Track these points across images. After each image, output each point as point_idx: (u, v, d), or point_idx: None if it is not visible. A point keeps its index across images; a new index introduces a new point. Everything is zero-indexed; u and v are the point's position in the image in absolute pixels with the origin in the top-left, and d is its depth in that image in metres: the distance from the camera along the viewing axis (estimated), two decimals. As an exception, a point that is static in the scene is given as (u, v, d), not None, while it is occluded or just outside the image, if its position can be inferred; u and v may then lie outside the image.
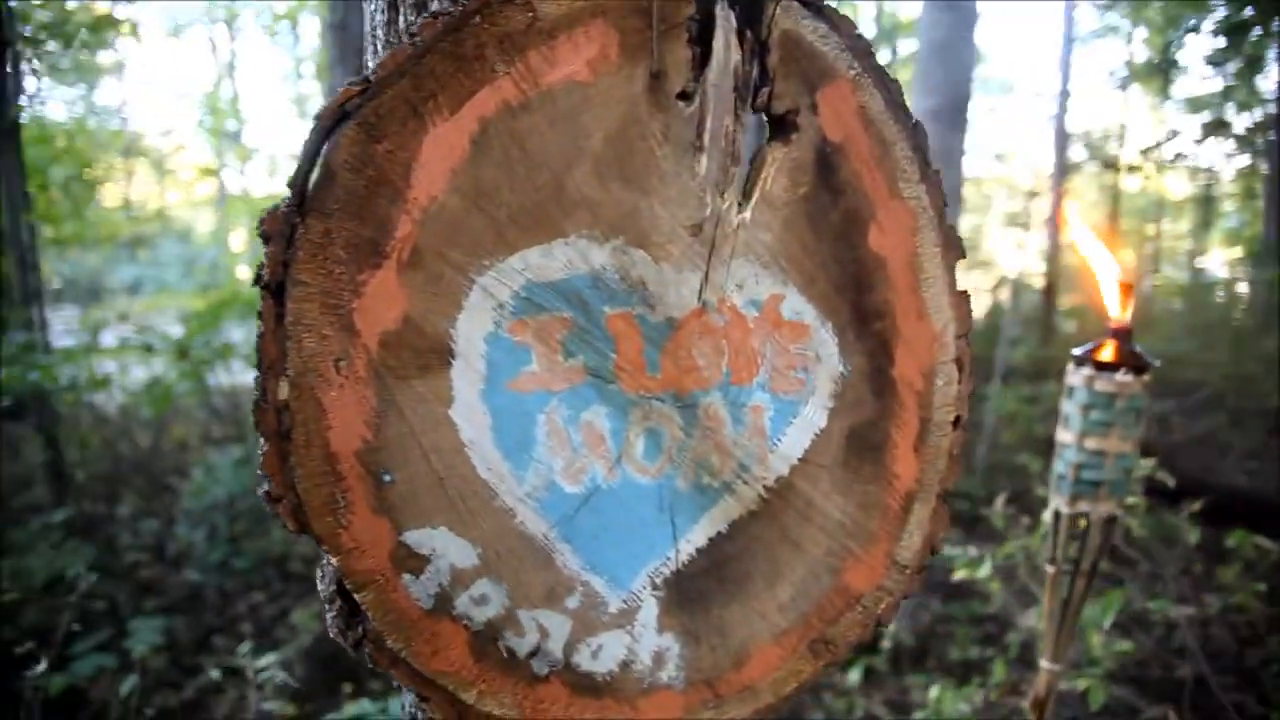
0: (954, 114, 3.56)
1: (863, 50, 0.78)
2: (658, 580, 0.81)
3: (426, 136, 0.68)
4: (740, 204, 0.76)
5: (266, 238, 0.67)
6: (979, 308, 8.58)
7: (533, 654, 0.79)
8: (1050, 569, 1.47)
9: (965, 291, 0.86)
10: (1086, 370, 1.39)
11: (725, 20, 0.73)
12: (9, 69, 5.08)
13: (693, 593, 0.82)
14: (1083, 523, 1.45)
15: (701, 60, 0.73)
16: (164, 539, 4.87)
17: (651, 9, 0.71)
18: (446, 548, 0.75)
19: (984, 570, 2.32)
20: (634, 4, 0.71)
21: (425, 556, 0.74)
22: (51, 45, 6.69)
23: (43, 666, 2.14)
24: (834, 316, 0.81)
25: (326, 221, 0.67)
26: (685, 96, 0.73)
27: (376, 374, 0.70)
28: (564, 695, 0.81)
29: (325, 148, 0.66)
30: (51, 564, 3.44)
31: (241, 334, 6.46)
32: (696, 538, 0.81)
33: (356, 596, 0.73)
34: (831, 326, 0.81)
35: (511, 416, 0.74)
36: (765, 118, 0.77)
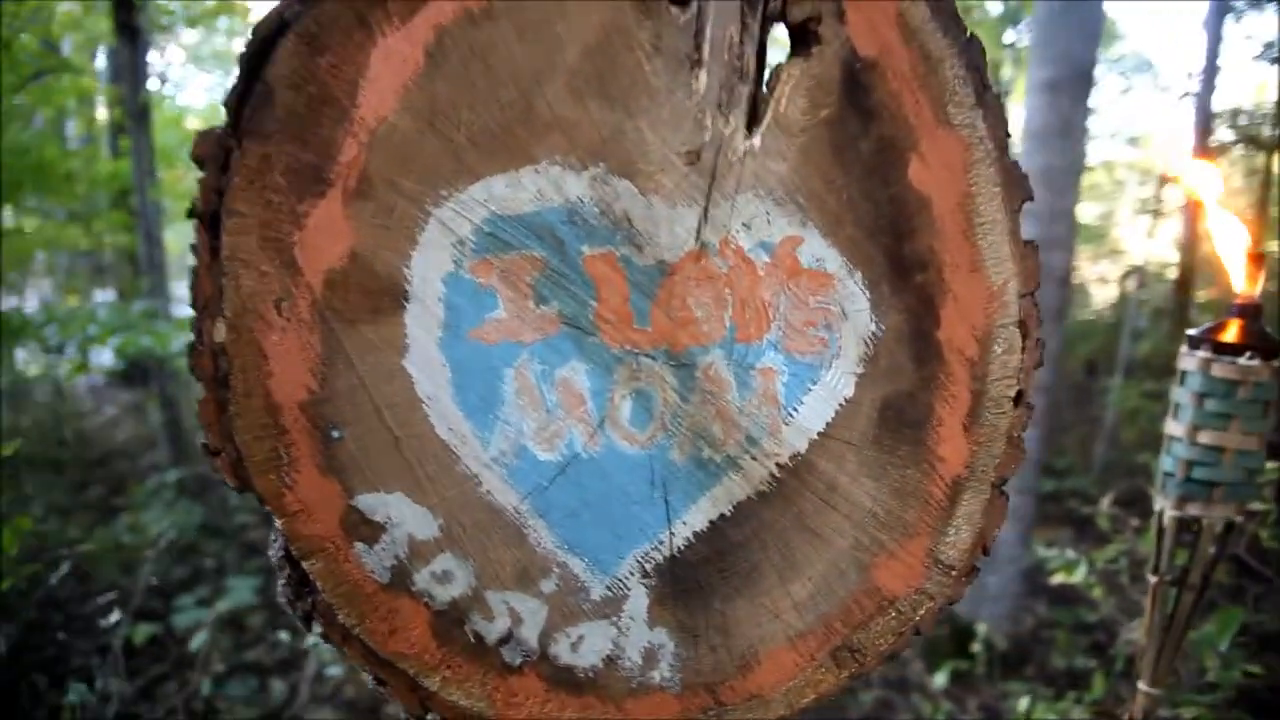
0: (1075, 86, 3.24)
1: (904, -57, 0.64)
2: (648, 567, 0.70)
3: (374, 48, 0.59)
4: (748, 128, 0.64)
5: (200, 163, 0.59)
6: (1105, 297, 7.98)
7: (504, 641, 0.70)
8: (1153, 579, 1.27)
9: (1032, 242, 0.71)
10: (1203, 352, 1.19)
11: (730, -94, 0.61)
12: (139, 55, 5.38)
13: (690, 584, 0.71)
14: (1195, 529, 1.24)
15: (701, -45, 0.61)
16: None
17: (638, -108, 0.59)
18: (404, 516, 0.66)
19: (1079, 574, 2.09)
20: (618, -113, 0.59)
21: (380, 524, 0.66)
22: (187, 33, 7.07)
23: (116, 616, 2.22)
24: (865, 265, 0.67)
25: (264, 145, 0.59)
26: (680, 1, 0.61)
27: (322, 317, 0.62)
28: (540, 689, 0.71)
29: (263, 63, 0.58)
30: (161, 521, 3.62)
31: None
32: (695, 520, 0.70)
33: (304, 564, 0.66)
34: (861, 277, 0.68)
35: (474, 370, 0.64)
36: (781, 28, 0.64)
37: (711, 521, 0.70)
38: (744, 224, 0.65)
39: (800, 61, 0.64)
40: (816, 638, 0.74)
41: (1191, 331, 1.23)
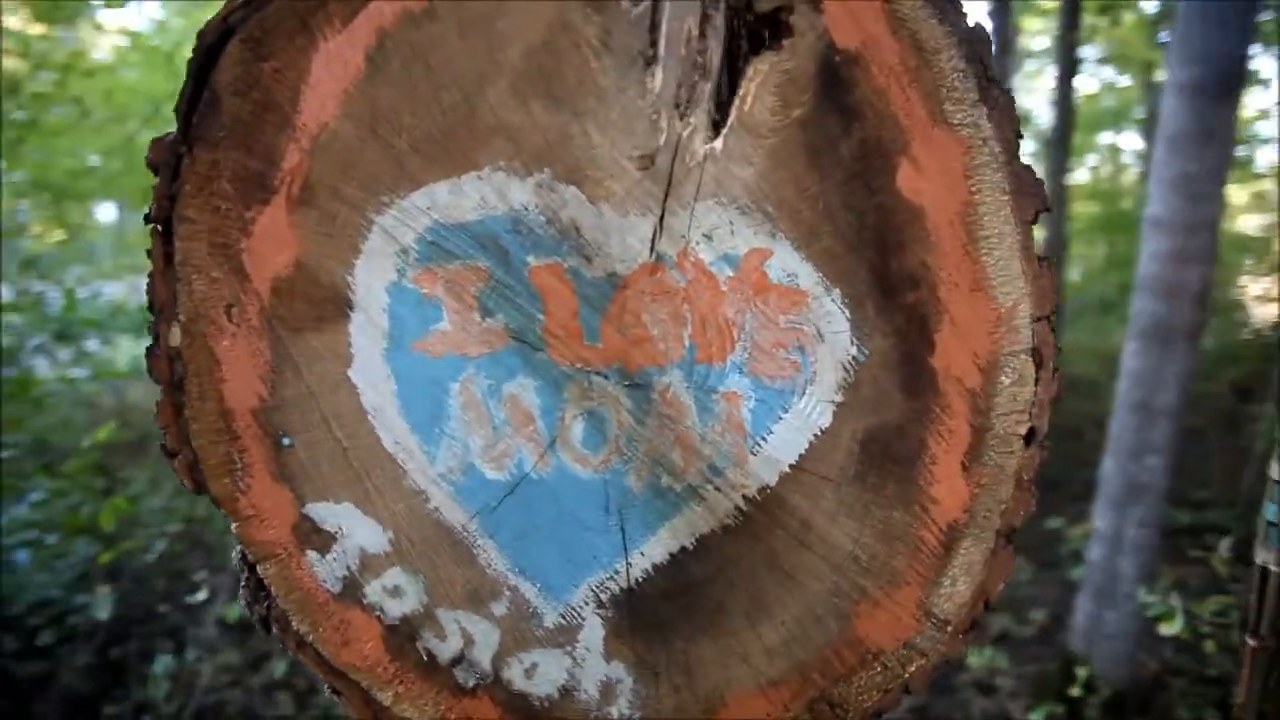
0: (1219, 87, 2.89)
1: (892, -80, 0.55)
2: (604, 597, 0.64)
3: (316, 53, 0.56)
4: (710, 130, 0.57)
5: (154, 169, 0.58)
6: (1266, 316, 7.15)
7: (456, 661, 0.66)
8: (1251, 642, 1.09)
9: (1047, 259, 0.60)
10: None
11: (689, -112, 0.54)
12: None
13: (650, 618, 0.65)
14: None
15: (656, -57, 0.55)
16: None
17: (584, -122, 0.54)
18: (354, 527, 0.63)
19: (1176, 625, 1.84)
20: (565, -125, 0.54)
21: (331, 534, 0.64)
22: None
23: (203, 594, 2.35)
24: (845, 282, 0.59)
25: (213, 152, 0.58)
26: (632, -9, 0.55)
27: (270, 324, 0.60)
28: (494, 715, 0.67)
29: (210, 69, 0.57)
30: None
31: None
32: (654, 552, 0.64)
33: (259, 569, 0.64)
34: (840, 295, 0.59)
35: (420, 383, 0.61)
36: (747, 19, 0.57)
37: (672, 554, 0.64)
38: (705, 235, 0.58)
39: (770, 56, 0.56)
40: (791, 688, 0.66)
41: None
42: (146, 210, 0.60)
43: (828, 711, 0.66)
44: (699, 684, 0.66)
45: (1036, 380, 0.62)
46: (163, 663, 2.63)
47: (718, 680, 0.66)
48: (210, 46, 0.57)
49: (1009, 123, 0.58)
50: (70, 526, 2.91)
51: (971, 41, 0.57)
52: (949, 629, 0.65)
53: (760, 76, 0.57)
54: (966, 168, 0.58)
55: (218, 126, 0.58)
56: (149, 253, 0.60)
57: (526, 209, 0.58)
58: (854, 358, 0.61)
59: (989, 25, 0.60)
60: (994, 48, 0.58)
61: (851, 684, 0.66)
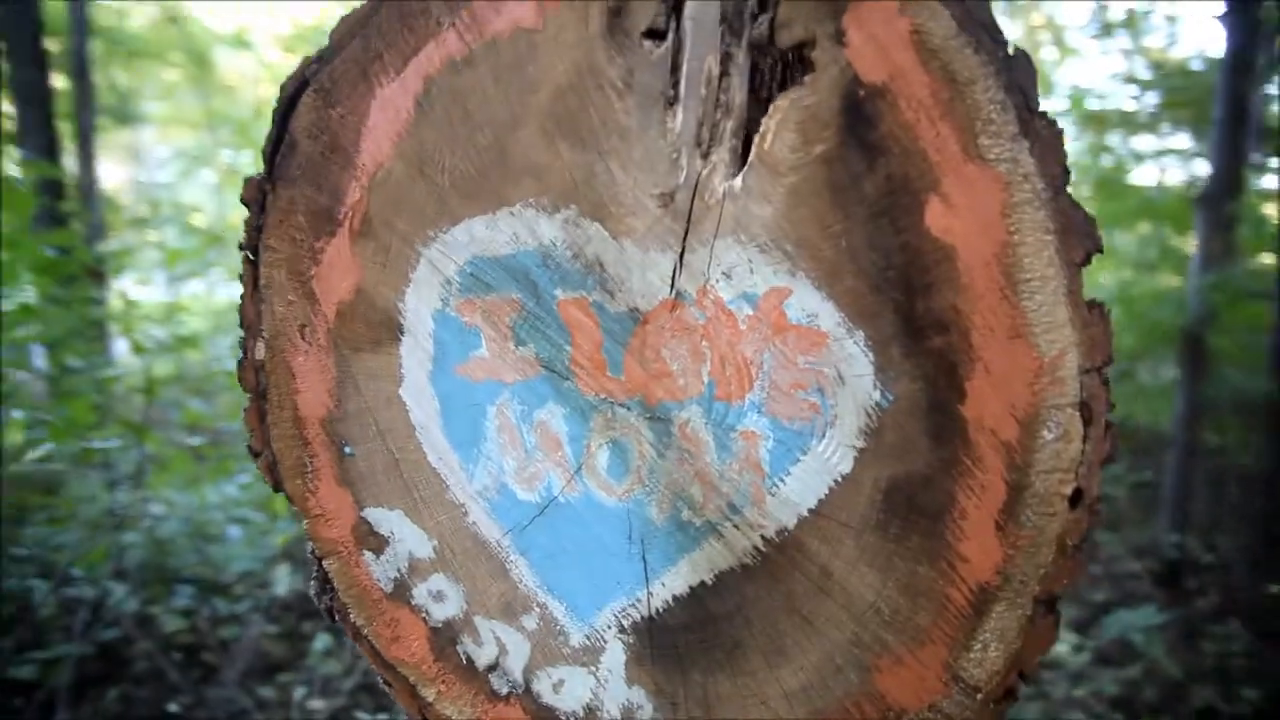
0: None
1: (923, -51, 0.52)
2: (626, 623, 0.64)
3: (374, 99, 0.61)
4: (732, 168, 0.56)
5: (246, 204, 0.65)
6: None
7: (492, 668, 0.68)
8: None
9: (1100, 304, 0.54)
10: None
11: (712, -68, 0.54)
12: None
13: (669, 649, 0.64)
14: None
15: (679, -13, 0.55)
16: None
17: (610, -71, 0.55)
18: (404, 533, 0.67)
19: None
20: (594, -73, 0.55)
21: (385, 538, 0.68)
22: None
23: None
24: (869, 324, 0.56)
25: (291, 189, 0.64)
26: (655, 35, 0.56)
27: (335, 344, 0.65)
28: (523, 722, 0.68)
29: (289, 116, 0.63)
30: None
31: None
32: (674, 583, 0.63)
33: (324, 564, 0.70)
34: (864, 337, 0.56)
35: (460, 405, 0.64)
36: (770, 56, 0.55)
37: (692, 587, 0.63)
38: (724, 273, 0.57)
39: (791, 92, 0.54)
40: (810, 735, 0.62)
41: None
42: (239, 241, 0.67)
43: (848, 765, 0.62)
44: None
45: (1085, 438, 0.55)
46: (322, 640, 2.87)
47: (734, 719, 0.64)
48: (290, 97, 0.63)
49: (1054, 157, 0.53)
50: (270, 508, 3.25)
51: (1012, 70, 0.52)
52: (979, 696, 0.59)
53: (781, 113, 0.55)
54: (1004, 206, 0.53)
55: (294, 167, 0.64)
56: (240, 277, 0.67)
57: (554, 244, 0.60)
58: (877, 403, 0.57)
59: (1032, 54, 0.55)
60: (1035, 76, 0.53)
61: (874, 740, 0.61)
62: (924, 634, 0.59)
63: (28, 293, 2.44)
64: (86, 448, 2.47)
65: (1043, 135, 0.53)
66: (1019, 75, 0.53)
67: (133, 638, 2.73)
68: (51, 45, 5.80)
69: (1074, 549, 0.57)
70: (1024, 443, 0.56)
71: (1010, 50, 0.53)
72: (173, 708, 2.44)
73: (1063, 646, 3.16)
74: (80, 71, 5.78)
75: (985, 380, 0.55)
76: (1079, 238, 0.54)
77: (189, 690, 2.49)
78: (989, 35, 0.53)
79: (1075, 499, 0.56)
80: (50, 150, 4.45)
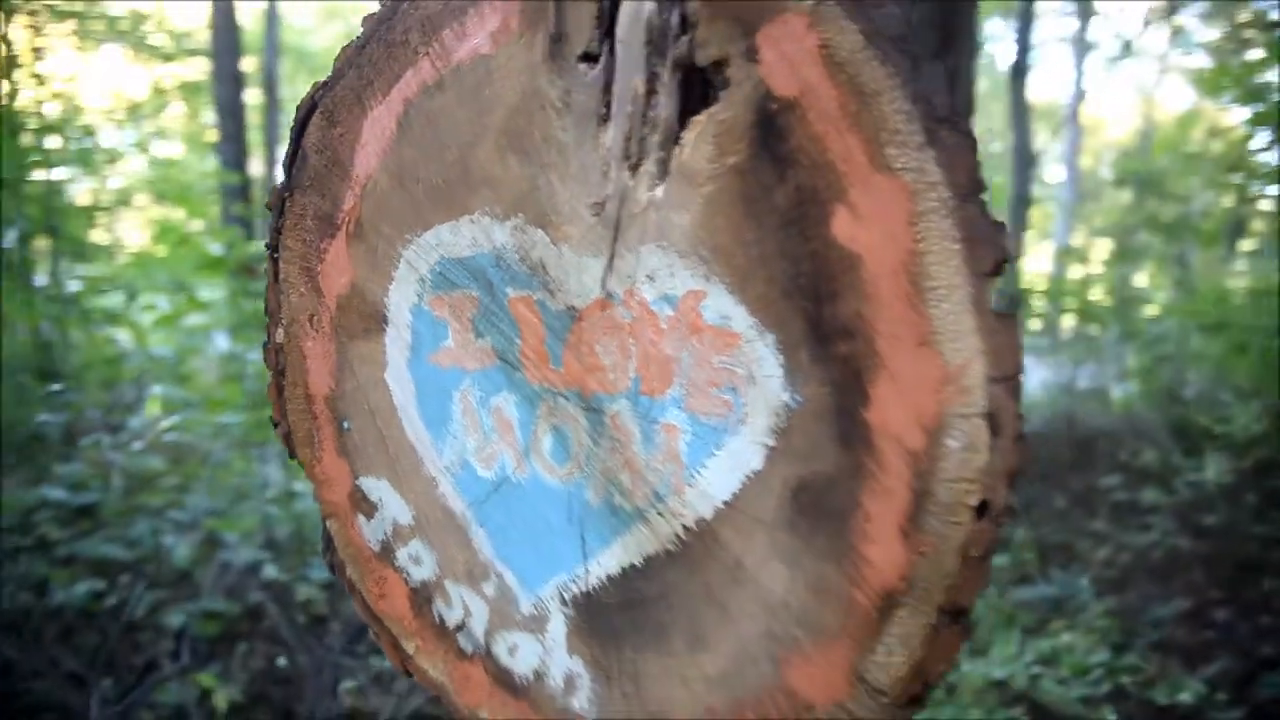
0: None
1: (828, -31, 0.53)
2: (566, 597, 0.69)
3: (366, 120, 0.69)
4: (655, 179, 0.59)
5: (269, 209, 0.75)
6: None
7: (459, 629, 0.75)
8: None
9: (1009, 314, 0.53)
10: None
11: (639, -39, 0.57)
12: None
13: (603, 624, 0.68)
14: None
15: (611, 15, 0.59)
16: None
17: (550, -38, 0.59)
18: (389, 501, 0.75)
19: None
20: (539, -39, 0.60)
21: (375, 504, 0.76)
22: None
23: None
24: (778, 328, 0.57)
25: (303, 196, 0.73)
26: (590, 58, 0.60)
27: (336, 331, 0.74)
28: (485, 682, 0.74)
29: (303, 133, 0.72)
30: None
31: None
32: (608, 563, 0.67)
33: (326, 523, 0.79)
34: (774, 340, 0.58)
35: (432, 389, 0.71)
36: (691, 74, 0.58)
37: (623, 568, 0.66)
38: (648, 275, 0.60)
39: (711, 107, 0.57)
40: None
41: None
42: (265, 240, 0.77)
43: (763, 755, 0.63)
44: (645, 696, 0.67)
45: (992, 448, 0.54)
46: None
47: (661, 696, 0.66)
48: (302, 117, 0.72)
49: (962, 166, 0.52)
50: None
51: (919, 81, 0.52)
52: (884, 700, 0.58)
53: (698, 127, 0.57)
54: (910, 215, 0.53)
55: (305, 177, 0.72)
56: (265, 271, 0.77)
57: (505, 248, 0.65)
58: (786, 404, 0.58)
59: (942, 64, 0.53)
60: (944, 85, 0.52)
61: (786, 733, 0.62)
62: (830, 633, 0.59)
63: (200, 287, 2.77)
64: (220, 424, 2.77)
65: (949, 144, 0.52)
66: (926, 85, 0.52)
67: (264, 601, 3.03)
68: (247, 65, 6.51)
69: (978, 560, 0.55)
70: (929, 451, 0.55)
71: (917, 61, 0.52)
72: (282, 662, 2.69)
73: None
74: (270, 86, 6.45)
75: (891, 387, 0.55)
76: (986, 247, 0.53)
77: (303, 650, 2.73)
78: (896, 47, 0.53)
79: (981, 510, 0.55)
80: (241, 157, 5.03)
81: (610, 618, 0.68)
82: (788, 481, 0.59)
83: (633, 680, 0.68)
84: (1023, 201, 6.08)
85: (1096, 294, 6.05)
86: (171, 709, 2.50)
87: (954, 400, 0.54)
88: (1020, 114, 6.26)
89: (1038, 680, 2.33)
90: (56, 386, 3.52)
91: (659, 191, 0.59)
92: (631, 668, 0.68)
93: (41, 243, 5.78)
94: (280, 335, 0.77)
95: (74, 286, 5.15)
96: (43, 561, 2.77)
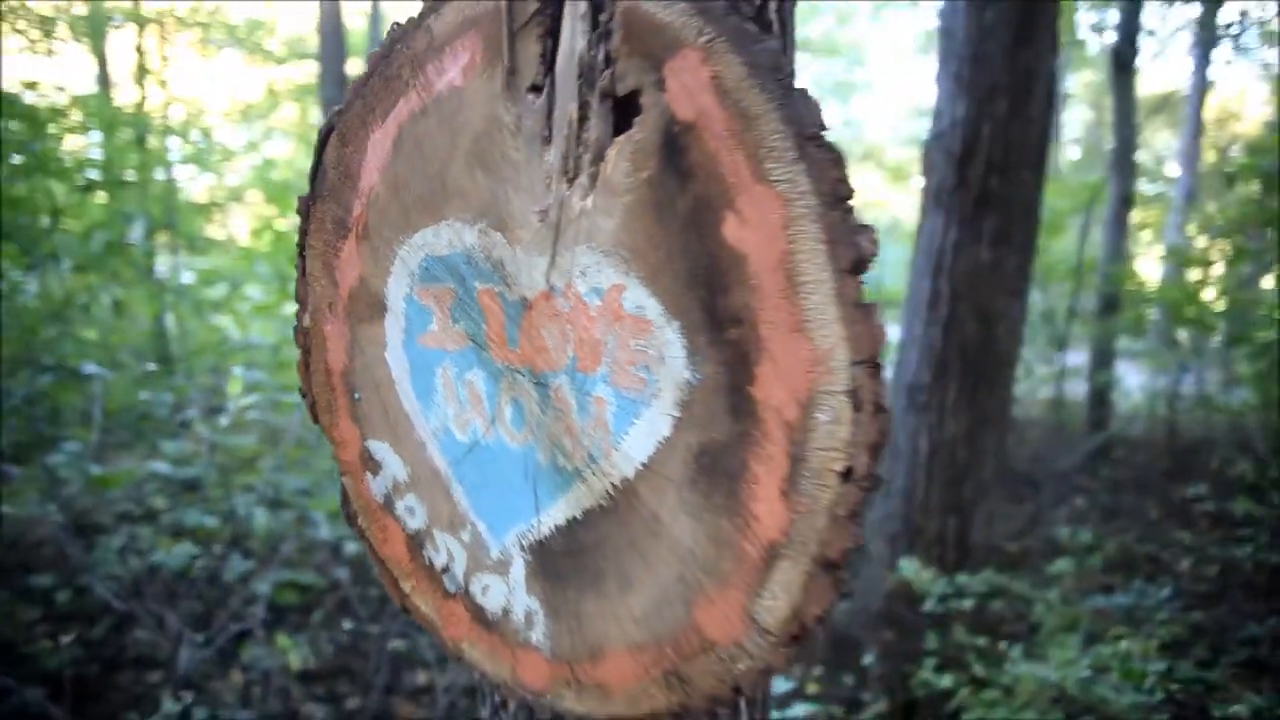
0: None
1: (718, 12, 0.64)
2: (524, 543, 0.82)
3: (369, 141, 0.84)
4: (587, 191, 0.72)
5: (298, 213, 0.91)
6: None
7: (444, 571, 0.89)
8: None
9: (870, 305, 0.63)
10: None
11: (573, 11, 0.70)
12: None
13: (552, 568, 0.81)
14: None
15: (552, 53, 0.72)
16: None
17: (505, 11, 0.73)
18: (390, 461, 0.90)
19: None
20: (498, 13, 0.74)
21: (379, 463, 0.91)
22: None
23: None
24: (682, 316, 0.69)
25: (323, 204, 0.89)
26: (536, 89, 0.73)
27: (348, 317, 0.89)
28: (465, 618, 0.89)
29: (323, 150, 0.88)
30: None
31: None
32: (555, 515, 0.80)
33: (342, 480, 0.95)
34: (679, 327, 0.69)
35: (422, 366, 0.85)
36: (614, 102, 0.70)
37: (568, 520, 0.79)
38: (581, 271, 0.73)
39: (628, 129, 0.69)
40: (651, 655, 0.76)
41: None
42: (296, 240, 0.93)
43: (677, 684, 0.75)
44: (585, 631, 0.80)
45: (855, 422, 0.64)
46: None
47: (599, 632, 0.79)
48: (323, 137, 0.87)
49: (828, 177, 0.62)
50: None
51: (791, 106, 0.63)
52: (771, 639, 0.69)
53: (619, 147, 0.69)
54: (785, 219, 0.64)
55: (325, 188, 0.88)
56: (294, 265, 0.93)
57: (474, 248, 0.78)
58: (689, 380, 0.69)
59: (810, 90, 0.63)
60: (813, 108, 0.62)
61: (694, 665, 0.74)
62: (727, 579, 0.70)
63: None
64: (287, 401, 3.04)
65: (817, 159, 0.63)
66: (796, 109, 0.63)
67: (340, 573, 3.31)
68: (352, 67, 6.91)
69: (845, 518, 0.65)
70: (802, 423, 0.65)
71: (790, 90, 0.63)
72: (347, 625, 2.94)
73: None
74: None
75: (771, 367, 0.66)
76: (847, 247, 0.63)
77: (371, 621, 2.98)
78: (773, 77, 0.63)
79: (846, 475, 0.65)
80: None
81: (558, 563, 0.81)
82: (691, 447, 0.71)
83: (576, 618, 0.80)
84: (1125, 202, 5.81)
85: (1208, 296, 5.73)
86: (253, 665, 2.79)
87: (822, 379, 0.64)
88: (1124, 107, 5.98)
89: (1090, 685, 2.31)
90: (169, 370, 3.93)
91: (589, 201, 0.72)
92: (575, 607, 0.80)
93: (162, 238, 6.36)
94: (307, 320, 0.94)
95: (188, 278, 5.67)
96: (149, 528, 3.12)
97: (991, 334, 3.36)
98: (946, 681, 2.76)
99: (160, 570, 3.02)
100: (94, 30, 8.63)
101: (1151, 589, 3.38)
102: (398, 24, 0.82)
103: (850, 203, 0.64)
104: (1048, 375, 5.22)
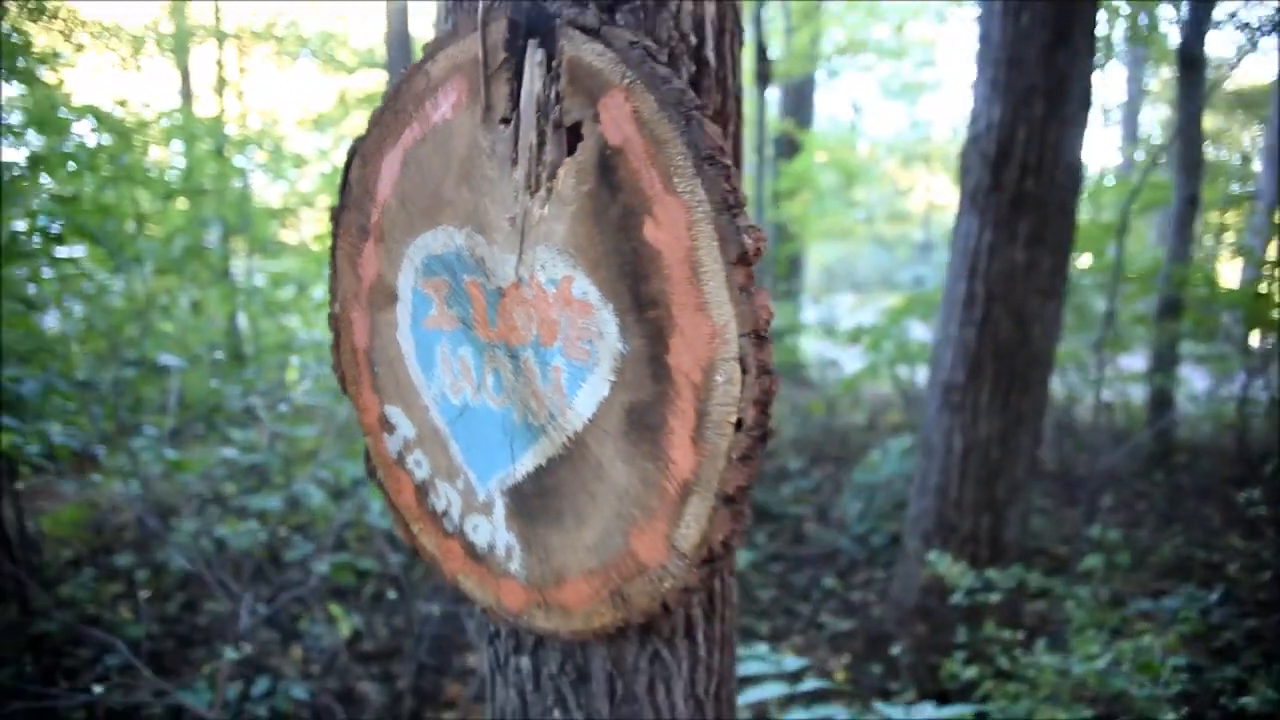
0: None
1: (636, 60, 0.84)
2: (503, 489, 1.03)
3: (383, 162, 1.06)
4: (545, 201, 0.92)
5: (330, 222, 1.14)
6: None
7: (444, 514, 1.10)
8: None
9: (754, 290, 0.81)
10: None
11: (532, 59, 0.90)
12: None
13: (526, 508, 1.01)
14: None
15: (517, 93, 0.92)
16: (829, 504, 5.56)
17: (482, 60, 0.94)
18: (401, 423, 1.12)
19: None
20: (477, 61, 0.95)
21: (394, 425, 1.13)
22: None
23: None
24: (615, 300, 0.88)
25: (349, 213, 1.11)
26: (506, 121, 0.93)
27: (369, 305, 1.12)
28: (460, 553, 1.10)
29: (349, 169, 1.10)
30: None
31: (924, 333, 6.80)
32: (527, 464, 1.00)
33: (365, 439, 1.17)
34: (613, 308, 0.89)
35: (425, 344, 1.07)
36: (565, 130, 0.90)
37: (538, 467, 0.99)
38: (541, 265, 0.93)
39: (575, 153, 0.89)
40: (600, 578, 0.95)
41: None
42: (329, 243, 1.16)
43: (620, 602, 0.94)
44: (551, 561, 1.00)
45: (743, 382, 0.82)
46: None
47: (561, 561, 0.99)
48: (349, 158, 1.10)
49: (719, 189, 0.81)
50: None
51: (690, 133, 0.82)
52: (687, 561, 0.88)
53: (567, 167, 0.89)
54: (688, 222, 0.83)
55: (350, 200, 1.11)
56: (327, 262, 1.16)
57: (462, 248, 0.99)
58: (621, 352, 0.89)
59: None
60: (706, 133, 0.81)
61: (633, 586, 0.93)
62: (653, 512, 0.89)
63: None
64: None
65: (710, 175, 0.81)
66: (695, 136, 0.81)
67: (395, 560, 3.58)
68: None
69: (739, 461, 0.83)
70: (706, 384, 0.84)
71: (691, 120, 0.82)
72: (391, 595, 3.20)
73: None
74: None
75: (681, 340, 0.85)
76: (734, 244, 0.81)
77: (418, 598, 3.24)
78: (678, 110, 0.82)
79: (739, 425, 0.83)
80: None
81: (530, 504, 1.01)
82: (624, 404, 0.90)
83: (544, 549, 1.00)
84: (1191, 202, 5.72)
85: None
86: (312, 645, 3.07)
87: (719, 349, 0.83)
88: (1190, 106, 5.86)
89: (1107, 677, 2.38)
90: (240, 365, 4.30)
91: (546, 209, 0.91)
92: (543, 540, 1.00)
93: (236, 242, 6.84)
94: (337, 308, 1.16)
95: (259, 280, 6.11)
96: (218, 510, 3.46)
97: (1026, 335, 3.43)
98: (971, 673, 2.85)
99: (227, 550, 3.35)
100: (178, 46, 9.30)
101: (1201, 593, 3.39)
102: (403, 69, 1.04)
103: (738, 208, 0.82)
104: (1099, 379, 5.19)
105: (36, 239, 3.28)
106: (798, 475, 6.04)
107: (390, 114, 1.04)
